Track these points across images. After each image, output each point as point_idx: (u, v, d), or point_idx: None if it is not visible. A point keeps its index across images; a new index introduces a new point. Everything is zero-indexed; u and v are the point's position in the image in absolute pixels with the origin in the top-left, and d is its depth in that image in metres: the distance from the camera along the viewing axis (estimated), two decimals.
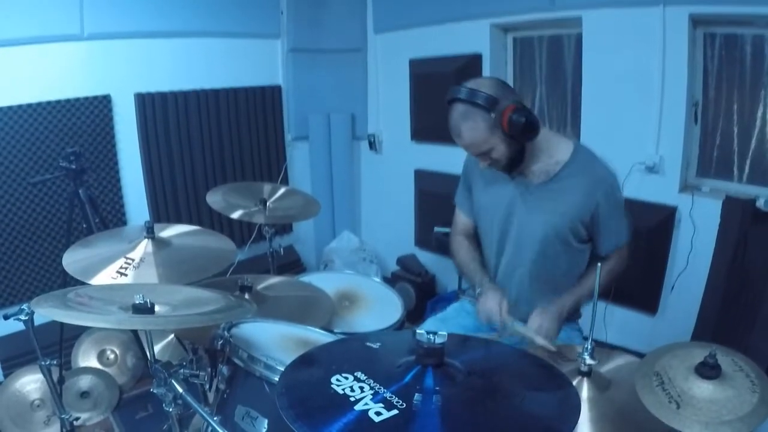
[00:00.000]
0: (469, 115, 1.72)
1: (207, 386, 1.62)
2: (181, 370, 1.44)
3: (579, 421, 1.10)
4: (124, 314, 1.32)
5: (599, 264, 1.45)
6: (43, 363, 1.88)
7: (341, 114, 4.33)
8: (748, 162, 2.77)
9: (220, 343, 1.54)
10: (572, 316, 1.98)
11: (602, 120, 2.98)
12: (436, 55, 3.73)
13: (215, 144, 3.85)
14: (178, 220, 3.47)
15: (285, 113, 4.23)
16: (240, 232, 4.02)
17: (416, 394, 1.06)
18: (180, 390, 1.38)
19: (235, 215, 2.57)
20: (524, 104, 1.74)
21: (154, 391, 1.43)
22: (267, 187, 2.80)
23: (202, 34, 3.67)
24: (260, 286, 2.13)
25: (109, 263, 1.78)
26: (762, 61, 2.61)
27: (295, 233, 4.53)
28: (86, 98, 3.23)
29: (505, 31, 3.53)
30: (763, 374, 1.21)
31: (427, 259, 4.16)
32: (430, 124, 3.88)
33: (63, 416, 2.05)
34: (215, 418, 1.36)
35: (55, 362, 1.93)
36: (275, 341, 1.66)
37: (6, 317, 1.76)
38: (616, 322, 3.02)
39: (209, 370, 1.64)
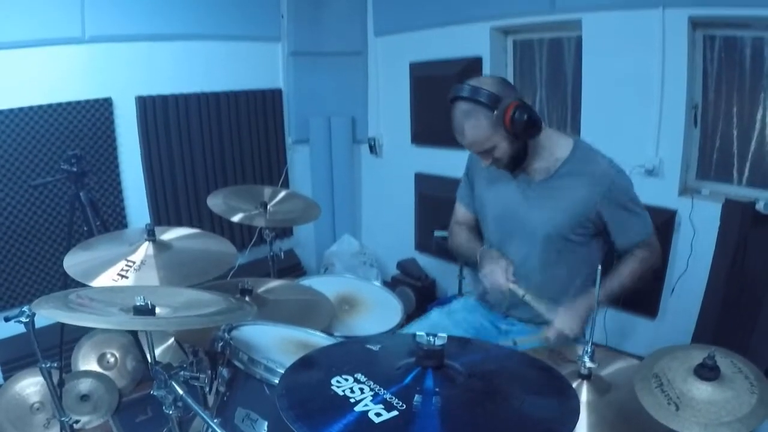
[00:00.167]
0: (471, 113, 1.73)
1: (207, 389, 1.61)
2: (182, 373, 1.43)
3: (578, 424, 1.10)
4: (125, 315, 1.33)
5: (599, 267, 1.45)
6: (43, 366, 1.88)
7: (342, 117, 4.33)
8: (747, 165, 2.78)
9: (220, 345, 1.54)
10: None
11: (602, 123, 2.99)
12: (437, 58, 3.74)
13: (216, 147, 3.86)
14: (179, 223, 3.48)
15: (285, 116, 4.23)
16: (240, 236, 4.03)
17: (416, 395, 1.06)
18: (180, 392, 1.38)
19: (236, 218, 2.57)
20: (526, 102, 1.74)
21: (155, 394, 1.42)
22: (267, 191, 2.81)
23: (203, 37, 3.68)
24: (261, 290, 2.13)
25: (110, 266, 1.78)
26: (761, 64, 2.62)
27: (295, 237, 4.53)
28: (87, 101, 3.24)
29: (506, 34, 3.54)
30: (761, 375, 1.21)
31: (428, 263, 4.16)
32: (430, 127, 3.88)
33: (63, 419, 2.04)
34: (215, 421, 1.36)
35: (55, 365, 1.93)
36: (275, 344, 1.66)
37: (7, 319, 1.76)
38: (616, 325, 3.02)
39: (209, 372, 1.63)
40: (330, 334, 1.89)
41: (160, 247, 1.91)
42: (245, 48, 3.94)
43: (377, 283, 2.74)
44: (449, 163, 3.65)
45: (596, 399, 1.38)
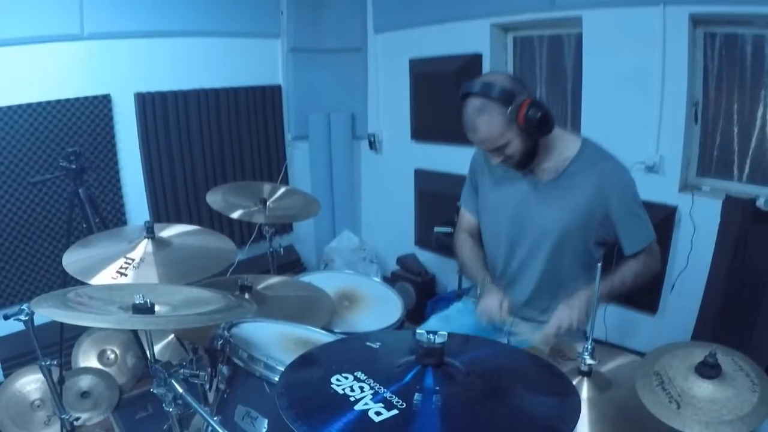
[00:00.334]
0: (485, 109, 1.71)
1: (207, 386, 1.62)
2: (181, 370, 1.43)
3: (579, 421, 1.10)
4: (124, 314, 1.33)
5: (599, 264, 1.45)
6: (43, 363, 1.88)
7: (341, 114, 4.33)
8: (748, 161, 2.77)
9: (220, 343, 1.53)
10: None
11: (602, 120, 2.99)
12: (436, 54, 3.73)
13: (215, 144, 3.85)
14: (178, 220, 3.47)
15: (285, 113, 4.23)
16: (240, 232, 4.02)
17: (416, 393, 1.06)
18: (180, 390, 1.38)
19: (235, 215, 2.57)
20: (539, 99, 1.72)
21: (154, 391, 1.42)
22: (267, 187, 2.80)
23: (202, 33, 3.67)
24: (260, 286, 2.13)
25: (109, 263, 1.78)
26: (762, 61, 2.61)
27: (295, 233, 4.53)
28: (86, 98, 3.23)
29: (506, 31, 3.53)
30: (763, 373, 1.21)
31: (427, 258, 4.16)
32: (430, 123, 3.88)
33: (63, 416, 2.05)
34: (215, 418, 1.36)
35: (55, 362, 1.93)
36: (275, 341, 1.66)
37: (6, 317, 1.76)
38: (616, 321, 3.02)
39: (209, 370, 1.64)
40: (330, 331, 1.89)
41: (160, 244, 1.91)
42: (244, 44, 3.92)
43: (377, 279, 2.74)
44: (449, 159, 3.66)
45: (597, 396, 1.37)
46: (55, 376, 2.45)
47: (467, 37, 3.54)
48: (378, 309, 2.33)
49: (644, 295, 2.95)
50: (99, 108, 3.29)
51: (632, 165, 2.74)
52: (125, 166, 3.50)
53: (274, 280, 2.26)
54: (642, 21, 2.77)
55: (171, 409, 1.42)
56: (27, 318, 1.69)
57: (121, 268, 1.77)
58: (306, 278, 2.48)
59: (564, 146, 1.84)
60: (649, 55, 2.78)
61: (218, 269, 1.92)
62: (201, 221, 3.69)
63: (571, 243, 1.86)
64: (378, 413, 1.00)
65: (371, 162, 4.51)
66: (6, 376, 2.93)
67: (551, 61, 3.44)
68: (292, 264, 4.34)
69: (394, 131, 4.23)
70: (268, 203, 2.67)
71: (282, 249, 2.82)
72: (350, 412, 1.01)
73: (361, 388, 1.08)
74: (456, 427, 1.02)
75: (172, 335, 2.86)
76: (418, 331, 1.15)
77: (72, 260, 1.81)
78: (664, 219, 2.83)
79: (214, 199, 2.63)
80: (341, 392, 1.07)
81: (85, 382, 2.90)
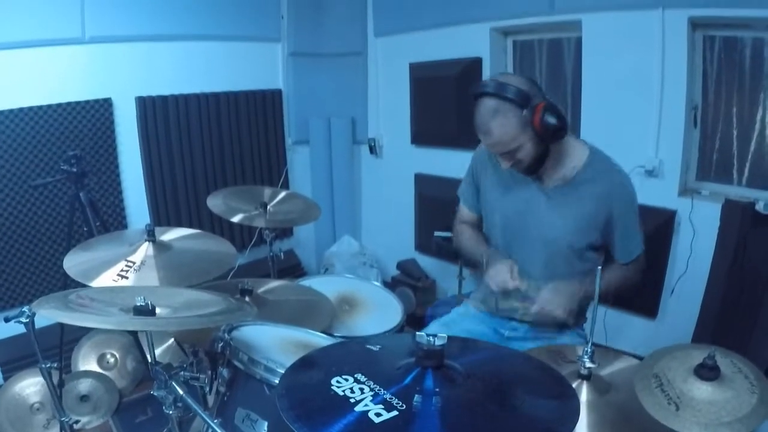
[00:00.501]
0: (500, 111, 1.67)
1: (207, 389, 1.61)
2: (182, 373, 1.44)
3: (578, 425, 1.10)
4: (126, 315, 1.33)
5: (599, 267, 1.45)
6: (43, 366, 1.88)
7: (341, 118, 4.33)
8: (747, 165, 2.78)
9: (220, 345, 1.54)
10: (578, 320, 1.96)
11: (602, 123, 2.99)
12: (437, 59, 3.74)
13: (216, 147, 3.86)
14: (179, 224, 3.49)
15: (285, 117, 4.24)
16: (240, 236, 4.03)
17: (416, 395, 1.06)
18: (180, 392, 1.38)
19: (236, 219, 2.58)
20: (554, 103, 1.69)
21: (155, 394, 1.43)
22: (267, 191, 2.81)
23: (203, 37, 3.68)
24: (261, 290, 2.13)
25: (110, 266, 1.78)
26: (761, 64, 2.62)
27: (295, 237, 4.54)
28: (87, 101, 3.24)
29: (505, 35, 3.54)
30: (761, 375, 1.21)
31: (428, 263, 4.16)
32: (430, 128, 3.89)
33: (63, 419, 2.04)
34: (215, 421, 1.36)
35: (55, 365, 1.93)
36: (275, 344, 1.66)
37: (7, 320, 1.76)
38: (616, 325, 3.02)
39: (209, 372, 1.63)
40: (330, 335, 1.89)
41: (160, 247, 1.91)
42: (245, 48, 3.94)
43: (377, 284, 2.74)
44: (449, 163, 3.67)
45: (596, 399, 1.38)
46: (55, 379, 2.45)
47: (467, 41, 3.55)
48: (378, 313, 2.33)
49: (644, 300, 2.95)
50: (100, 111, 3.30)
51: (632, 169, 2.75)
52: (126, 169, 3.50)
53: (274, 284, 2.26)
54: (641, 24, 2.78)
55: (171, 412, 1.43)
56: (27, 320, 1.69)
57: (122, 271, 1.77)
58: (306, 282, 2.48)
59: (573, 153, 1.83)
60: (648, 58, 2.79)
61: (219, 273, 1.92)
62: (201, 225, 3.70)
63: (571, 250, 1.85)
64: (378, 414, 1.00)
65: (371, 166, 4.52)
66: (6, 378, 2.93)
67: (551, 65, 3.45)
68: (292, 268, 4.34)
69: (395, 135, 4.23)
70: (268, 207, 2.67)
71: (282, 253, 2.82)
72: (350, 414, 1.01)
73: (361, 389, 1.08)
74: (456, 429, 1.02)
75: (172, 339, 2.85)
76: (418, 333, 1.15)
77: (73, 263, 1.81)
78: (663, 223, 2.83)
79: (215, 202, 2.63)
80: (341, 394, 1.07)
81: (84, 385, 2.89)
